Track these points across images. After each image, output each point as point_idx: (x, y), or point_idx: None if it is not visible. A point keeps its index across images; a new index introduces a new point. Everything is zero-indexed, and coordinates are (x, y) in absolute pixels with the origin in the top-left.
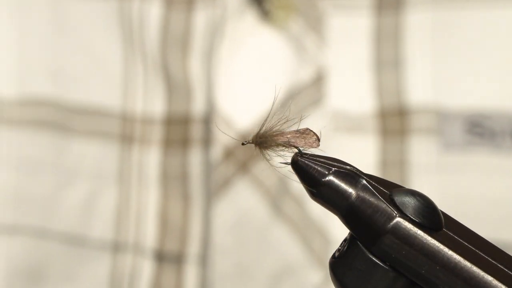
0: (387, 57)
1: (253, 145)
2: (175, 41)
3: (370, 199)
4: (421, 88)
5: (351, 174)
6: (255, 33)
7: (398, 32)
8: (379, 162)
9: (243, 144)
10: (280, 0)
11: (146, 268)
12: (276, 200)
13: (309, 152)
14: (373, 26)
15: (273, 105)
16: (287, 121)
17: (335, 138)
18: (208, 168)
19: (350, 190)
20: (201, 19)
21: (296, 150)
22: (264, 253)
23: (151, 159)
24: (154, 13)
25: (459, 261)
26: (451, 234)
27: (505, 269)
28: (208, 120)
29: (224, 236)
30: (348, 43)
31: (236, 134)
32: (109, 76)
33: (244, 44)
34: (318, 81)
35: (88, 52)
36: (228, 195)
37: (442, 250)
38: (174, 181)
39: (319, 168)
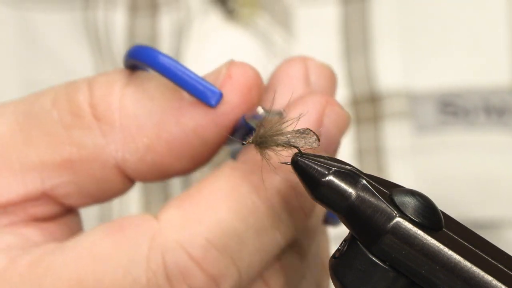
0: (356, 44)
1: (253, 145)
2: None
3: (370, 199)
4: (391, 73)
5: (351, 174)
6: (221, 32)
7: (365, 18)
8: (355, 151)
9: (243, 144)
10: None
11: None
12: None
13: (309, 152)
14: (340, 14)
15: (271, 105)
16: (287, 120)
17: None
18: None
19: (350, 190)
20: (166, 22)
21: (296, 150)
22: None
23: None
24: (119, 20)
25: (459, 261)
26: (451, 234)
27: (505, 269)
28: None
29: None
30: (317, 33)
31: None
32: None
33: (211, 44)
34: None
35: (59, 63)
36: None
37: (442, 250)
38: (154, 186)
39: (319, 168)
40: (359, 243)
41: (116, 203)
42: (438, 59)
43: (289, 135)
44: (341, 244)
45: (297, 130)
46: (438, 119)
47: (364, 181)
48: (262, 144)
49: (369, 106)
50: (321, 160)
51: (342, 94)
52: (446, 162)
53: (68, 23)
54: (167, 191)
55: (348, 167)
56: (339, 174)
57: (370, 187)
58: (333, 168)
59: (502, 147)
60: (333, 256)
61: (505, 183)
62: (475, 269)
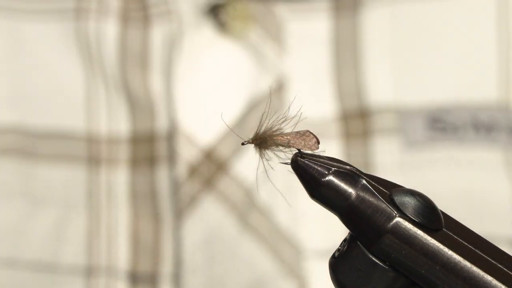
0: (346, 59)
1: (252, 145)
2: (133, 59)
3: (370, 199)
4: (381, 88)
5: (351, 174)
6: (213, 45)
7: (356, 33)
8: None
9: (243, 144)
10: (236, 10)
11: None
12: (243, 214)
13: (309, 152)
14: (332, 29)
15: (269, 105)
16: (286, 120)
17: None
18: (175, 186)
19: (350, 190)
20: (158, 34)
21: (295, 150)
22: (235, 268)
23: (119, 179)
24: (110, 32)
25: (459, 261)
26: (451, 234)
27: (505, 269)
28: (170, 137)
29: (194, 254)
30: (308, 47)
31: (199, 150)
32: (71, 98)
33: (202, 57)
34: (279, 89)
35: (48, 74)
36: (196, 212)
37: (442, 250)
38: (143, 200)
39: (319, 168)
40: (359, 243)
41: (104, 216)
42: (427, 74)
43: (288, 136)
44: (341, 244)
45: (297, 132)
46: (427, 135)
47: (364, 181)
48: (262, 144)
49: (359, 122)
50: (321, 160)
51: (331, 109)
52: (435, 178)
53: (59, 34)
54: (155, 204)
55: (348, 167)
56: (339, 174)
57: (370, 187)
58: (333, 168)
59: (491, 163)
60: (333, 256)
61: (494, 200)
62: (475, 269)
